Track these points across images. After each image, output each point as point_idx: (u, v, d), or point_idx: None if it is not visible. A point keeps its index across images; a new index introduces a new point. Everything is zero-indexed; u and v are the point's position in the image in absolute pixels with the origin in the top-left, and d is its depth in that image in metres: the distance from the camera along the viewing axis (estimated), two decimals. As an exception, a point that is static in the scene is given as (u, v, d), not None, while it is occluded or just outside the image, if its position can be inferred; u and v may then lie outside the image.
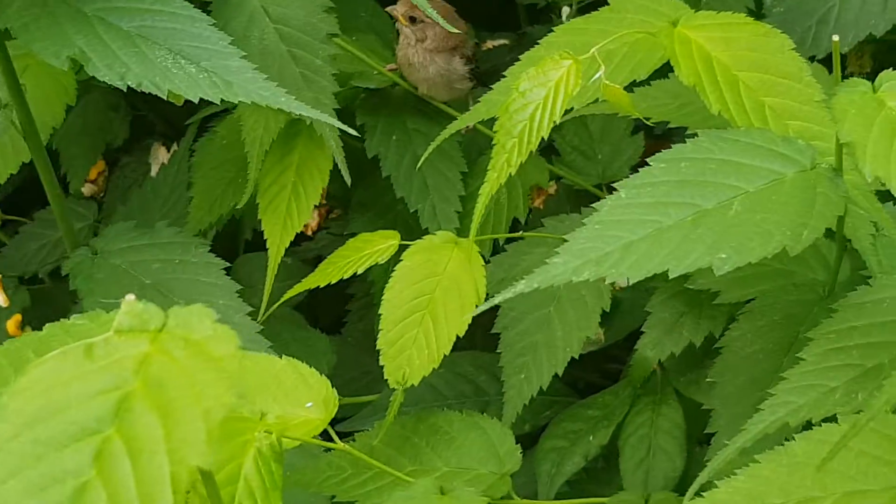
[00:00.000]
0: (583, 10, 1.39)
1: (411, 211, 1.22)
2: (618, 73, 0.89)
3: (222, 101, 0.93)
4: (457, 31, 1.12)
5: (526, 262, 1.11)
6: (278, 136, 1.13)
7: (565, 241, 0.77)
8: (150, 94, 1.47)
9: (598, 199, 1.30)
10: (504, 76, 0.98)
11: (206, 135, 1.28)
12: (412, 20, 1.18)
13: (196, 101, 0.92)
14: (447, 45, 1.19)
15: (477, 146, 1.29)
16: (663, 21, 0.91)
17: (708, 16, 0.90)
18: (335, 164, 1.11)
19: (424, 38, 1.19)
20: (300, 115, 1.06)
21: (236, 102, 0.93)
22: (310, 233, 1.35)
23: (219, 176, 1.22)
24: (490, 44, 1.47)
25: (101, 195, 1.51)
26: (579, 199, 1.32)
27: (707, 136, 0.80)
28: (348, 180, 1.11)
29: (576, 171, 1.30)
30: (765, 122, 0.84)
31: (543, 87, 0.85)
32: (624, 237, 0.77)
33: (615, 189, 0.80)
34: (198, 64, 0.94)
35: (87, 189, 1.52)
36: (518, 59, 1.01)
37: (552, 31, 1.41)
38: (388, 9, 1.21)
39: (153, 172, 1.51)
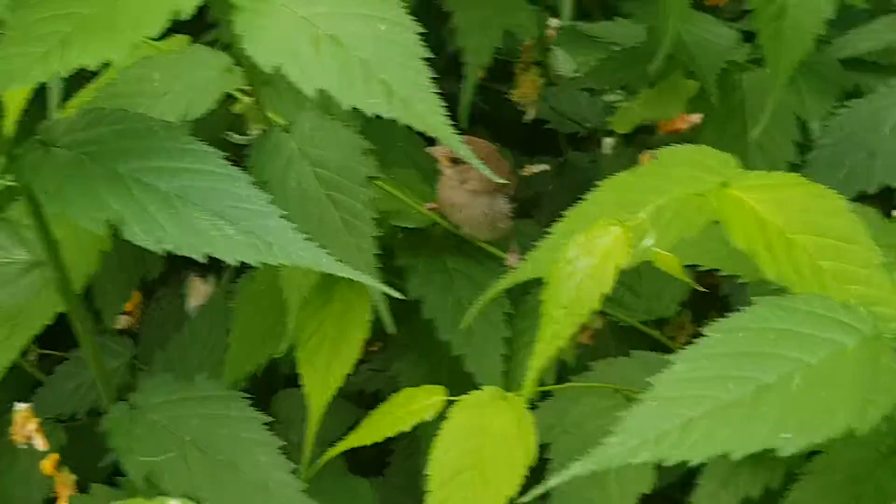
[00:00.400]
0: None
1: (454, 355, 1.20)
2: (667, 233, 0.87)
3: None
4: (502, 180, 1.09)
5: (575, 413, 1.08)
6: (317, 282, 1.10)
7: (616, 390, 0.74)
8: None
9: (645, 336, 1.29)
10: (548, 233, 0.95)
11: (245, 276, 1.26)
12: (454, 161, 1.16)
13: (236, 264, 0.90)
14: (491, 186, 1.17)
15: (520, 285, 1.26)
16: (713, 176, 0.89)
17: (759, 176, 0.87)
18: (376, 312, 1.09)
19: (467, 179, 1.17)
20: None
21: (276, 264, 0.90)
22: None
23: (258, 323, 1.19)
24: (530, 170, 1.45)
25: (137, 326, 1.49)
26: (624, 336, 1.29)
27: (764, 304, 0.78)
28: (392, 330, 1.09)
29: (622, 306, 1.27)
30: (824, 288, 0.81)
31: (592, 255, 0.83)
32: (683, 414, 0.74)
33: (671, 362, 0.77)
34: (237, 225, 0.91)
35: (122, 321, 1.50)
36: (558, 187, 0.99)
37: (593, 161, 1.40)
38: (428, 149, 1.18)
39: (189, 306, 1.48)
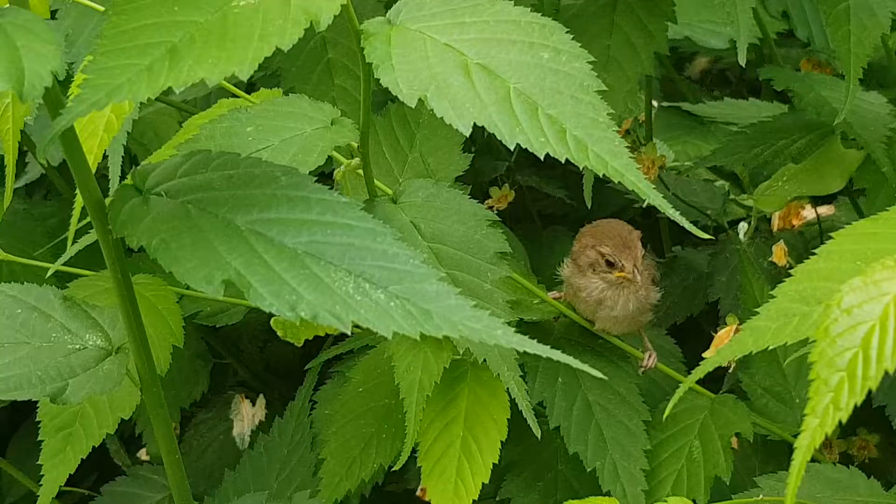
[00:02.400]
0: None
1: (588, 470, 1.00)
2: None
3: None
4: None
5: (765, 531, 0.88)
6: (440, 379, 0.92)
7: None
8: (236, 336, 1.27)
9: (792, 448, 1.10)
10: (772, 297, 0.77)
11: (331, 381, 1.07)
12: (609, 264, 1.00)
13: (389, 335, 0.71)
14: (644, 275, 1.00)
15: (658, 388, 1.08)
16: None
17: None
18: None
19: (618, 266, 1.00)
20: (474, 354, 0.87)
21: (439, 337, 0.71)
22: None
23: (356, 431, 1.00)
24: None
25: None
26: (768, 449, 1.11)
27: None
28: (537, 432, 0.90)
29: (769, 417, 1.08)
30: None
31: (878, 301, 0.64)
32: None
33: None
34: (385, 289, 0.72)
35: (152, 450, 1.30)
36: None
37: (713, 255, 1.22)
38: (617, 275, 1.01)
39: (237, 431, 1.30)
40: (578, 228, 1.40)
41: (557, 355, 0.70)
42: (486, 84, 0.77)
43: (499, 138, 0.76)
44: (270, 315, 1.28)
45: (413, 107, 0.77)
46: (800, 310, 0.74)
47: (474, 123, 0.75)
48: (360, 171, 0.94)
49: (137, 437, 1.26)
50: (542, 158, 0.76)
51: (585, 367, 0.71)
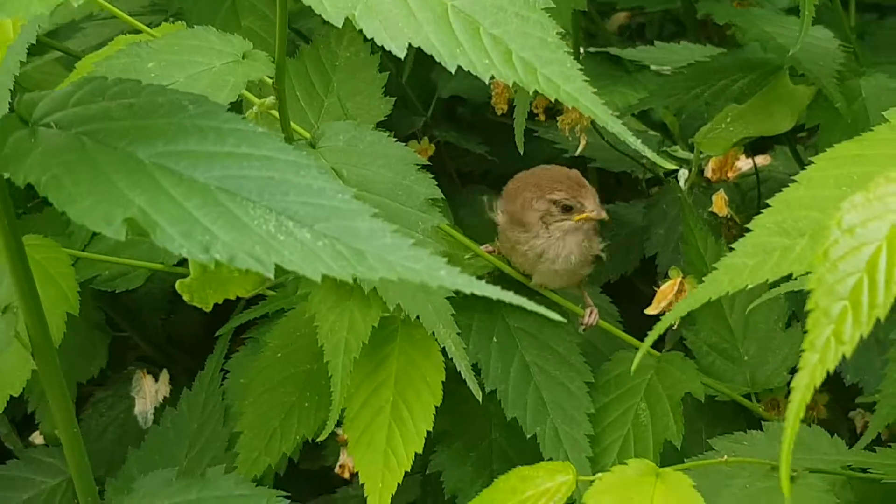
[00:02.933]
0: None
1: (528, 437, 0.92)
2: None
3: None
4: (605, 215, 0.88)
5: (729, 496, 0.81)
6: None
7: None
8: (136, 306, 1.18)
9: (745, 410, 1.03)
10: (747, 229, 0.69)
11: (244, 348, 0.98)
12: (566, 209, 0.91)
13: (318, 279, 0.62)
14: (589, 222, 0.92)
15: (594, 348, 1.00)
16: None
17: None
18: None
19: (560, 215, 0.92)
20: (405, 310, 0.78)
21: (376, 279, 0.62)
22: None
23: (275, 401, 0.91)
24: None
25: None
26: (715, 410, 1.03)
27: None
28: (478, 395, 0.82)
29: (715, 376, 1.01)
30: None
31: (883, 219, 0.56)
32: None
33: None
34: (312, 227, 0.63)
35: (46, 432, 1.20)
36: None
37: (647, 209, 1.15)
38: (578, 218, 0.93)
39: (139, 409, 1.20)
40: (500, 186, 1.32)
41: (510, 297, 0.62)
42: (421, 1, 0.69)
43: (437, 60, 0.68)
44: (173, 283, 1.19)
45: (340, 27, 0.68)
46: (780, 243, 0.66)
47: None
48: (275, 112, 0.85)
49: (30, 417, 1.16)
50: (486, 82, 0.68)
51: (542, 309, 0.62)
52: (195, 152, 0.66)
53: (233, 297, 0.93)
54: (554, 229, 0.92)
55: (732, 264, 0.67)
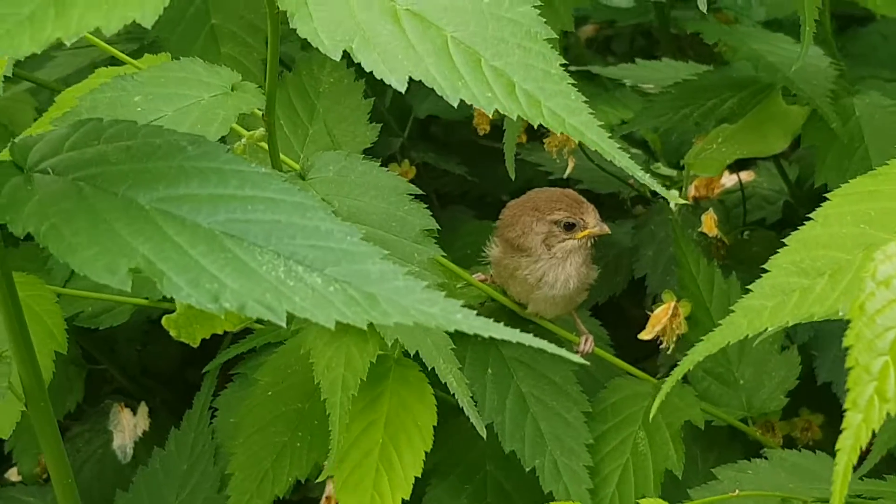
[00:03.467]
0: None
1: (528, 470, 0.90)
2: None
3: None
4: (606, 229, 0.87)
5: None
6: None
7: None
8: (112, 338, 1.15)
9: (741, 434, 1.02)
10: (764, 271, 0.67)
11: (233, 384, 0.95)
12: (568, 227, 0.90)
13: (331, 326, 0.60)
14: (586, 251, 0.91)
15: (589, 376, 0.99)
16: None
17: None
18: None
19: (563, 239, 0.91)
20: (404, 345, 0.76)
21: (390, 325, 0.60)
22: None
23: (266, 441, 0.88)
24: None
25: (45, 475, 1.16)
26: (710, 435, 1.02)
27: None
28: (482, 431, 0.80)
29: (711, 401, 1.00)
30: None
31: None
32: None
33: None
34: (322, 272, 0.61)
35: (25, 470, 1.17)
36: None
37: (635, 229, 1.13)
38: (581, 235, 0.91)
39: (118, 443, 1.17)
40: (479, 206, 1.30)
41: (523, 337, 0.60)
42: (420, 33, 0.67)
43: (439, 94, 0.66)
44: (148, 315, 1.16)
45: (338, 60, 0.66)
46: (799, 283, 0.65)
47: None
48: (264, 144, 0.82)
49: (7, 456, 1.13)
50: (489, 115, 0.67)
51: (544, 344, 0.60)
52: (198, 196, 0.63)
53: (220, 332, 0.91)
54: (556, 250, 0.90)
55: (751, 306, 0.66)
